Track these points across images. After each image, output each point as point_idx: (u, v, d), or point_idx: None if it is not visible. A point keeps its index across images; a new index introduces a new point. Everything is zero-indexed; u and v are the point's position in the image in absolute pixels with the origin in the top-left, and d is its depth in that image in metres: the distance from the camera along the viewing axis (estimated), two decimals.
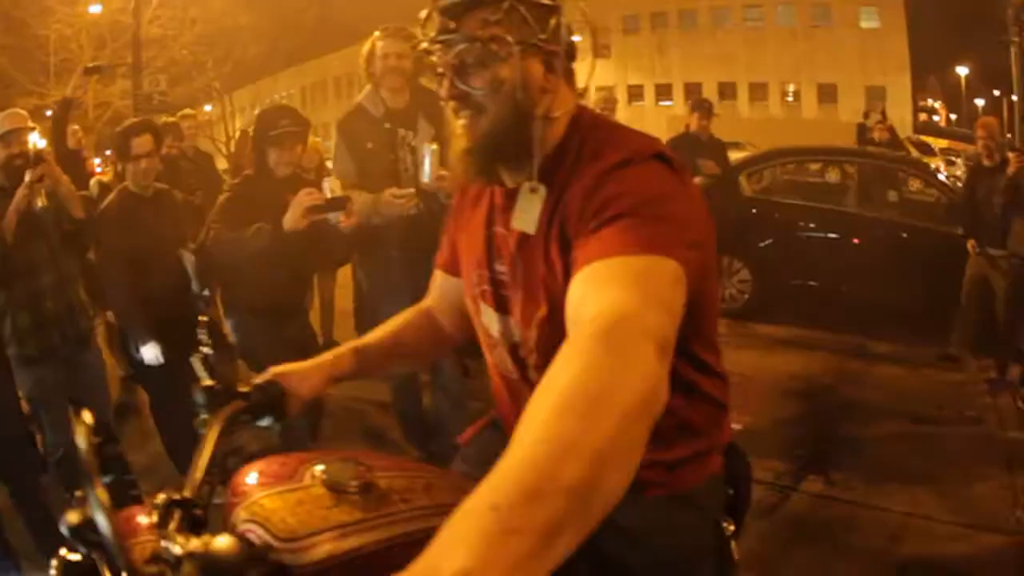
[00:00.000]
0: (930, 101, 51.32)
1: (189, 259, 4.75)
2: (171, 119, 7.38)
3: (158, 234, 4.60)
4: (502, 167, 1.70)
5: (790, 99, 47.63)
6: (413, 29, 4.21)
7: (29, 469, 4.30)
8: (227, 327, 4.71)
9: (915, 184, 9.81)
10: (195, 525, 1.34)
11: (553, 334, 1.54)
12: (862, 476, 4.94)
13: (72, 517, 1.40)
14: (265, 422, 1.84)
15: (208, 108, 31.38)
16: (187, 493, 1.42)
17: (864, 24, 44.75)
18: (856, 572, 4.01)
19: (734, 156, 10.57)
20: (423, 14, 1.65)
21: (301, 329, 4.75)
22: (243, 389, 1.79)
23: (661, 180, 1.52)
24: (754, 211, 9.12)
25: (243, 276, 4.32)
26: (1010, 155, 6.60)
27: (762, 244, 8.67)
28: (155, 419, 5.00)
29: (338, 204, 4.04)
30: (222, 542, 1.09)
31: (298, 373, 1.88)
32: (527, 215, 1.66)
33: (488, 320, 1.84)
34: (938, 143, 39.77)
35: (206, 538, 1.13)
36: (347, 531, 1.39)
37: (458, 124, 1.66)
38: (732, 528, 1.89)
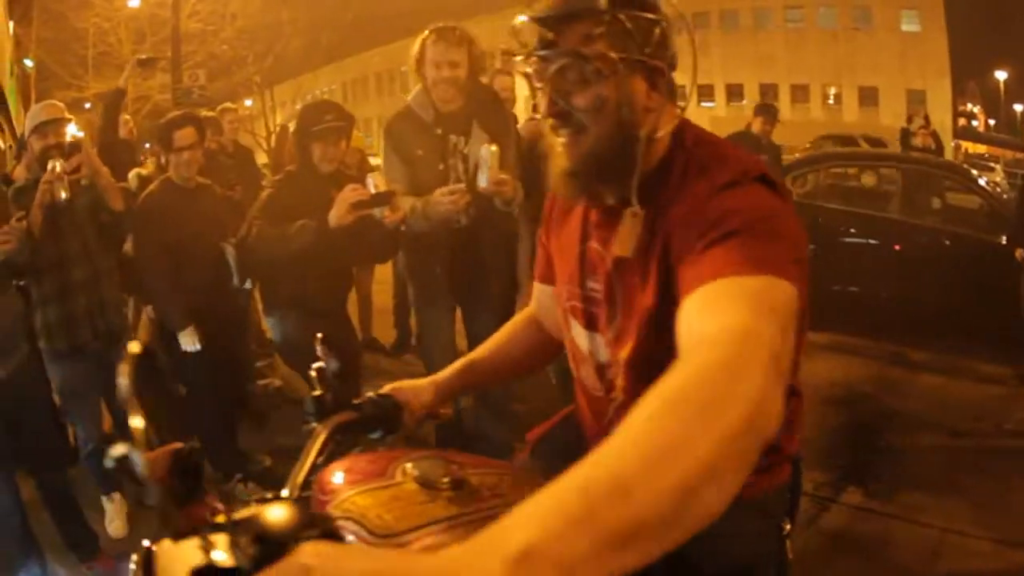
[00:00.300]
0: (969, 106, 50.89)
1: (231, 252, 4.79)
2: (211, 113, 7.38)
3: (198, 226, 4.64)
4: (603, 187, 1.63)
5: (831, 102, 47.37)
6: (465, 27, 4.22)
7: (58, 462, 4.34)
8: (266, 323, 4.74)
9: (957, 191, 9.67)
10: None
11: (646, 357, 1.57)
12: (900, 488, 4.89)
13: (115, 450, 1.32)
14: (376, 435, 1.87)
15: (248, 103, 31.53)
16: (286, 493, 1.44)
17: (905, 27, 44.51)
18: None
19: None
20: (517, 22, 1.57)
21: (341, 326, 4.70)
22: (356, 402, 1.83)
23: (767, 199, 1.47)
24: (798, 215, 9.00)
25: (284, 272, 4.28)
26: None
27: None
28: (190, 414, 4.99)
29: (383, 199, 3.94)
30: (277, 508, 1.03)
31: (412, 388, 1.92)
32: (625, 239, 1.60)
33: (577, 335, 1.81)
34: (976, 148, 39.48)
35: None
36: (447, 526, 1.40)
37: (557, 141, 1.59)
38: (788, 527, 1.90)
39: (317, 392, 1.79)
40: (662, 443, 0.91)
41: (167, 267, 4.61)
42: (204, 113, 6.97)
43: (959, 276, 7.63)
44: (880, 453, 5.47)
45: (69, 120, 4.50)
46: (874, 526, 4.45)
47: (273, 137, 29.17)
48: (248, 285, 5.23)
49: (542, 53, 1.52)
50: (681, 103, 1.68)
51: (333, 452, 1.75)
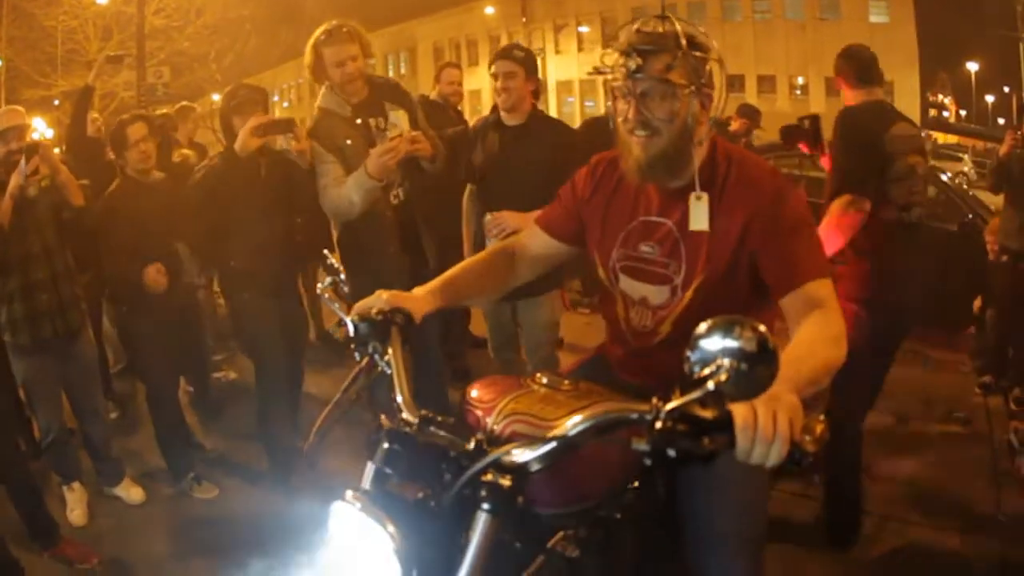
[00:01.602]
0: (940, 97, 51.07)
1: (184, 251, 5.02)
2: (163, 111, 7.49)
3: (155, 221, 4.75)
4: (667, 175, 2.32)
5: (798, 92, 47.47)
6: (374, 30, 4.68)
7: (20, 456, 4.44)
8: (227, 308, 5.01)
9: None
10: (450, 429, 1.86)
11: (715, 291, 2.31)
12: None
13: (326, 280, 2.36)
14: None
15: (216, 97, 31.39)
16: (414, 414, 1.89)
17: (873, 18, 44.52)
18: (829, 572, 4.04)
19: None
20: (613, 47, 2.25)
21: (295, 307, 5.01)
22: (383, 315, 2.18)
23: (805, 204, 2.31)
24: None
25: (237, 246, 4.57)
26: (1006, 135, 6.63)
27: None
28: (150, 407, 5.15)
29: (285, 126, 4.35)
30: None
31: (412, 299, 2.29)
32: (699, 217, 2.30)
33: (627, 287, 2.49)
34: (947, 139, 39.70)
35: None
36: (583, 409, 1.72)
37: (632, 140, 2.26)
38: None
39: (373, 313, 2.16)
40: (815, 352, 1.97)
41: (125, 251, 4.73)
42: (160, 111, 7.04)
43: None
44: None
45: (28, 125, 4.63)
46: (812, 512, 4.43)
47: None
48: (202, 281, 5.33)
49: (636, 76, 2.19)
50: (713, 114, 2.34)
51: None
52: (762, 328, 1.40)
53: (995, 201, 7.39)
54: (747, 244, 2.26)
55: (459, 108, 6.96)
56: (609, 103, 2.35)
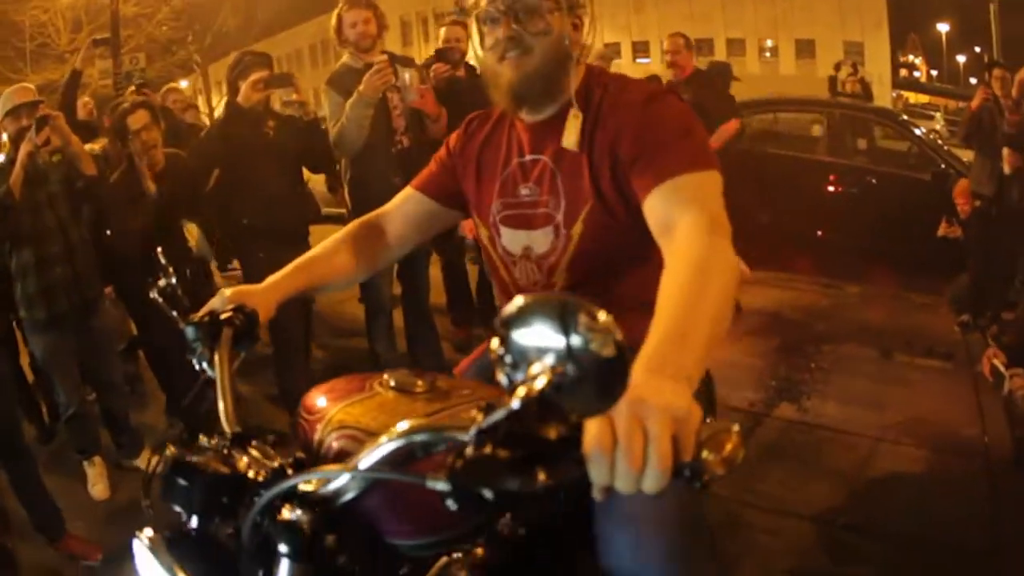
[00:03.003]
0: (910, 57, 51.27)
1: (191, 230, 5.09)
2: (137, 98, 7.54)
3: (165, 203, 4.85)
4: (543, 99, 2.08)
5: (768, 55, 47.50)
6: None
7: (23, 447, 4.38)
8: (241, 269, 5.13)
9: (885, 133, 10.03)
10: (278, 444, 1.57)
11: (600, 223, 2.03)
12: (834, 404, 5.18)
13: (159, 283, 1.98)
14: (244, 346, 1.95)
15: (184, 83, 31.29)
16: (233, 429, 1.62)
17: None
18: (827, 491, 4.22)
19: None
20: None
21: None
22: (223, 316, 1.94)
23: (683, 106, 2.02)
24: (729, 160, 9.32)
25: (249, 203, 4.79)
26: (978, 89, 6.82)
27: (738, 191, 8.81)
28: (159, 379, 5.31)
29: (284, 80, 4.73)
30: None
31: (259, 293, 2.08)
32: (570, 134, 2.05)
33: (509, 241, 2.19)
34: (919, 98, 39.93)
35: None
36: (435, 418, 1.55)
37: (503, 65, 2.03)
38: None
39: (198, 316, 1.92)
40: (699, 295, 1.43)
41: (134, 235, 4.78)
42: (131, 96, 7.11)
43: (888, 212, 8.06)
44: (813, 373, 5.74)
45: (41, 101, 4.63)
46: (808, 437, 4.72)
47: (215, 113, 29.11)
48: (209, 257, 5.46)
49: None
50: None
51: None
52: (600, 316, 0.96)
53: (968, 155, 7.61)
54: (620, 165, 1.96)
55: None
56: (475, 40, 2.15)
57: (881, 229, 8.02)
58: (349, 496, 1.37)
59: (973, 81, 42.95)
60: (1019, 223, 6.08)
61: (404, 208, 2.42)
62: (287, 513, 1.37)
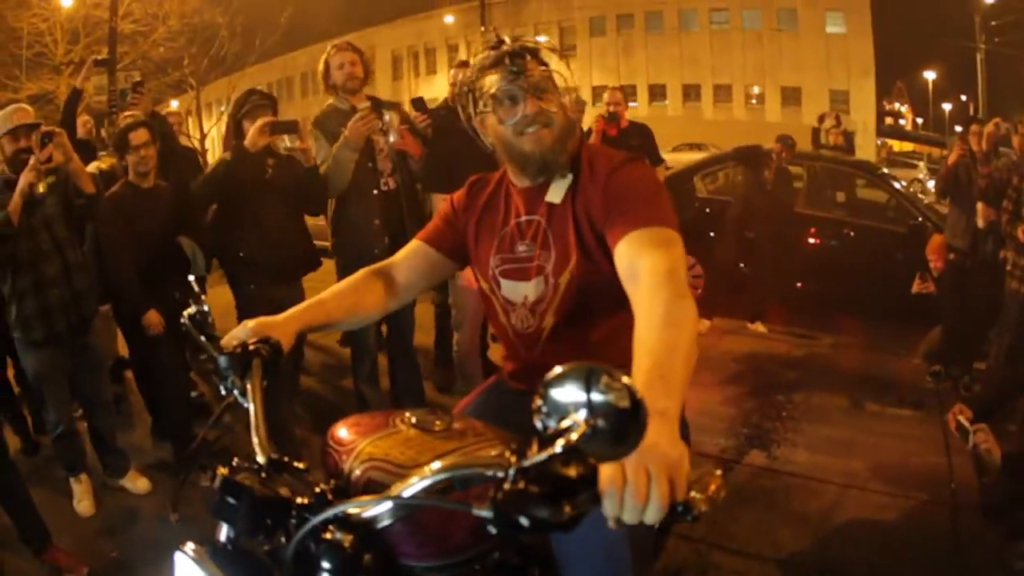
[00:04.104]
0: (897, 105, 51.72)
1: (188, 244, 5.16)
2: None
3: (155, 222, 5.00)
4: (557, 166, 2.31)
5: (754, 102, 47.85)
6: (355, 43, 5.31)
7: (9, 460, 4.39)
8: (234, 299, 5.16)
9: (865, 183, 10.25)
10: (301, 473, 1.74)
11: (584, 274, 2.26)
12: (803, 451, 5.31)
13: (189, 311, 2.13)
14: (268, 375, 2.03)
15: (175, 104, 31.22)
16: (267, 455, 1.75)
17: (830, 29, 44.91)
18: (796, 536, 4.33)
19: (696, 157, 11.09)
20: (485, 58, 2.30)
21: (300, 293, 5.17)
22: (251, 346, 2.04)
23: (649, 171, 2.28)
24: (708, 210, 9.56)
25: (246, 236, 4.89)
26: (948, 151, 6.99)
27: (715, 242, 8.99)
28: (146, 401, 5.45)
29: (290, 126, 4.88)
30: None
31: (280, 325, 2.19)
32: (556, 192, 2.32)
33: (509, 291, 2.44)
34: (903, 146, 40.19)
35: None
36: (453, 456, 1.71)
37: (524, 139, 2.28)
38: None
39: (233, 346, 2.02)
40: (672, 345, 1.66)
41: (130, 259, 4.94)
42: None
43: (865, 263, 8.27)
44: (782, 421, 5.88)
45: (39, 124, 4.62)
46: (777, 483, 4.85)
47: (208, 138, 29.26)
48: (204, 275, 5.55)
49: (523, 70, 2.25)
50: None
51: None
52: (627, 379, 1.19)
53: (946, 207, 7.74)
54: (597, 223, 2.21)
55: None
56: (477, 117, 2.38)
57: (857, 281, 8.20)
58: (387, 522, 1.58)
59: (958, 129, 43.50)
60: (992, 276, 6.19)
61: (412, 258, 2.60)
62: (331, 534, 1.56)
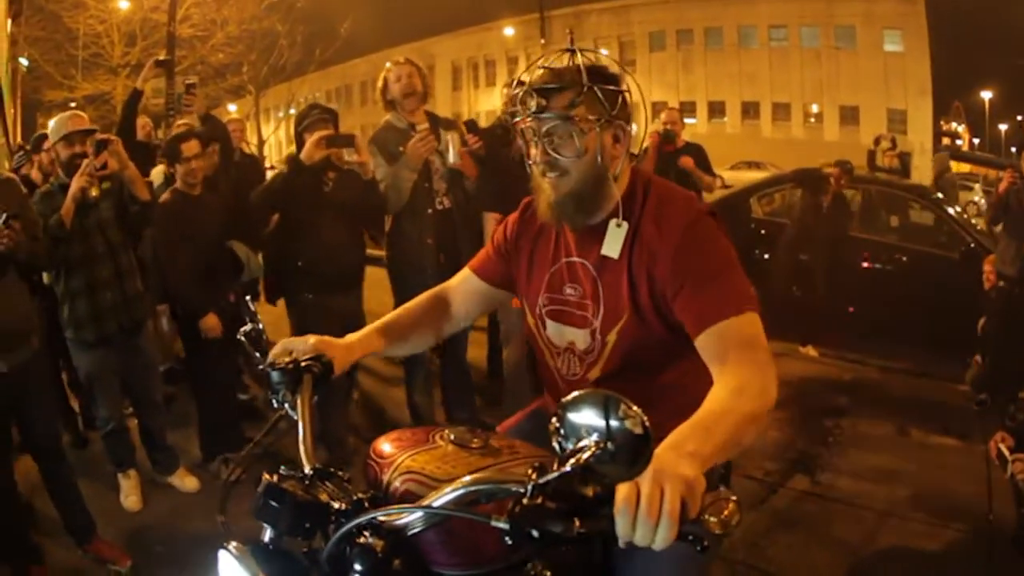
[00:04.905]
0: (954, 125, 51.10)
1: (241, 248, 5.26)
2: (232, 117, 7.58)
3: (204, 228, 5.11)
4: (581, 215, 2.19)
5: (812, 120, 47.47)
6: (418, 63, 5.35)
7: (60, 451, 4.48)
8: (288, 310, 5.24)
9: (919, 207, 10.15)
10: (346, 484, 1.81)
11: (635, 335, 2.18)
12: (846, 478, 5.27)
13: (245, 329, 2.18)
14: (318, 391, 2.11)
15: (232, 108, 31.52)
16: (312, 465, 1.84)
17: (888, 47, 44.43)
18: (834, 561, 4.33)
19: (754, 175, 11.00)
20: (514, 91, 2.15)
21: (356, 302, 5.31)
22: (303, 363, 2.11)
23: (722, 236, 2.13)
24: (763, 232, 9.51)
25: (303, 247, 4.95)
26: (1003, 173, 6.92)
27: (769, 264, 9.01)
28: (200, 411, 5.47)
29: (346, 140, 4.91)
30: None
31: (340, 348, 2.23)
32: (613, 245, 2.18)
33: (554, 334, 2.36)
34: (960, 167, 39.65)
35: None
36: (487, 472, 1.77)
37: (544, 181, 2.17)
38: None
39: (284, 360, 2.10)
40: (729, 409, 1.71)
41: (184, 264, 5.06)
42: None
43: (916, 289, 8.18)
44: (828, 446, 5.85)
45: (95, 129, 4.75)
46: (818, 508, 4.83)
47: (267, 145, 29.61)
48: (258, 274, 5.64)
49: (539, 115, 2.09)
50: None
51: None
52: (634, 409, 1.29)
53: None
54: (657, 286, 2.11)
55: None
56: (520, 143, 2.31)
57: (908, 306, 8.11)
58: (417, 530, 1.66)
59: (1014, 150, 42.90)
60: None
61: (464, 286, 2.59)
62: (364, 539, 1.64)
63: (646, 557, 1.93)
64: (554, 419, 1.35)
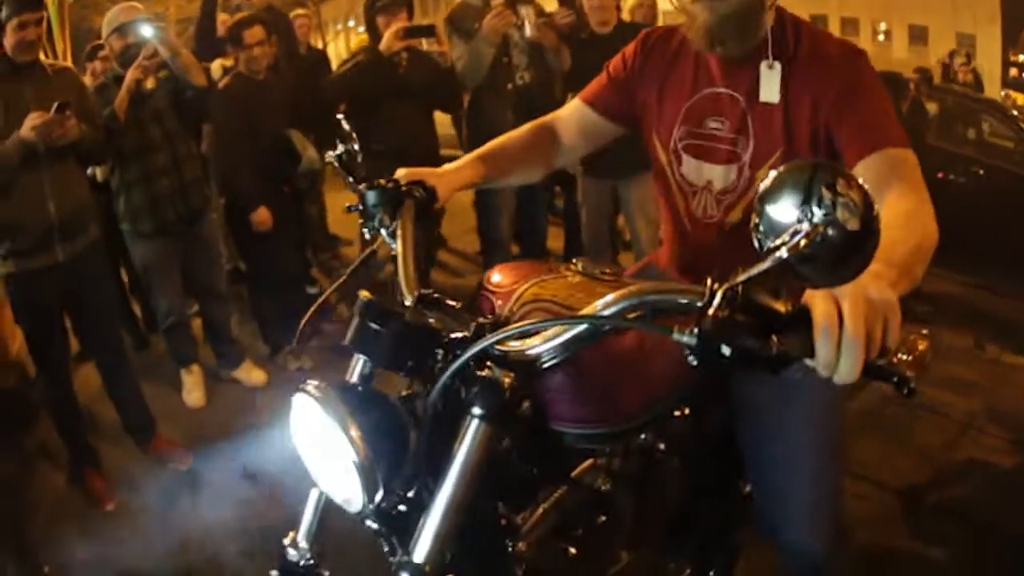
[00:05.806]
0: (1021, 57, 49.78)
1: (299, 137, 5.09)
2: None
3: (266, 113, 4.96)
4: (734, 42, 1.98)
5: (881, 38, 46.55)
6: None
7: (119, 346, 4.46)
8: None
9: (993, 129, 9.83)
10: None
11: None
12: (926, 385, 4.92)
13: (335, 151, 1.91)
14: (422, 225, 1.87)
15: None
16: (413, 292, 1.62)
17: None
18: (916, 468, 4.26)
19: None
20: None
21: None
22: (403, 187, 1.91)
23: (876, 74, 1.98)
24: None
25: (379, 130, 4.77)
26: None
27: None
28: (251, 298, 5.46)
29: (426, 30, 4.84)
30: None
31: (442, 175, 2.06)
32: (771, 88, 2.00)
33: (689, 170, 2.17)
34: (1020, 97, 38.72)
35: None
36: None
37: (696, 6, 1.95)
38: None
39: (380, 180, 1.87)
40: (905, 240, 1.46)
41: (242, 151, 4.94)
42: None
43: (993, 206, 7.98)
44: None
45: (147, 18, 4.64)
46: (901, 412, 4.70)
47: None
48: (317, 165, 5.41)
49: None
50: None
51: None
52: (861, 181, 1.04)
53: None
54: (821, 117, 1.95)
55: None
56: None
57: (985, 222, 7.86)
58: (550, 361, 1.41)
59: None
60: None
61: (573, 117, 2.39)
62: (488, 371, 1.39)
63: (772, 430, 2.07)
64: (753, 215, 1.12)
